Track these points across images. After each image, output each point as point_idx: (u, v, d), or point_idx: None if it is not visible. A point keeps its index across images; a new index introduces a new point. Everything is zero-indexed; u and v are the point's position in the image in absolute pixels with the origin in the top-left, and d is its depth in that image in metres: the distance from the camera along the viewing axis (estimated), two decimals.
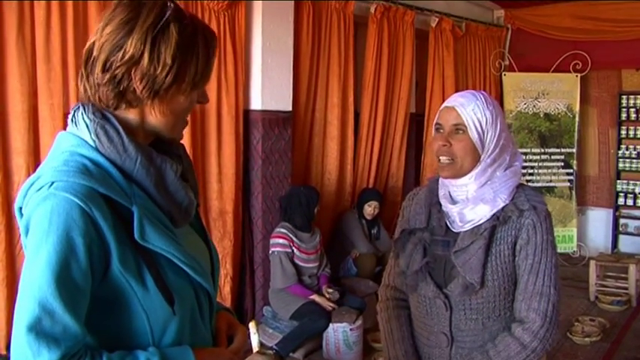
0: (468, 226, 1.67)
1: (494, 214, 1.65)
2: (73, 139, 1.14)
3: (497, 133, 1.66)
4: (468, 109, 1.65)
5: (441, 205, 1.75)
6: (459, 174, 1.68)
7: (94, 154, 1.12)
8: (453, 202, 1.72)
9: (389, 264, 1.94)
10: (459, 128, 1.66)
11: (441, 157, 1.69)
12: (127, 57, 1.11)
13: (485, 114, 1.65)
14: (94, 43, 1.14)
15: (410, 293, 1.82)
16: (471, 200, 1.68)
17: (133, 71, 1.12)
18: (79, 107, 1.17)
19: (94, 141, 1.12)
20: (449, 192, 1.74)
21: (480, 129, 1.64)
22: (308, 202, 4.32)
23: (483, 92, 1.72)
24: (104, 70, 1.12)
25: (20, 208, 1.12)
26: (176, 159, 1.25)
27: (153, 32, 1.12)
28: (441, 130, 1.70)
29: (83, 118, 1.14)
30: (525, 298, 1.63)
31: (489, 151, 1.66)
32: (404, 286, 1.85)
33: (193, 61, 1.16)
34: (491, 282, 1.64)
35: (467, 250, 1.64)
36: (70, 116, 1.18)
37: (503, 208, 1.66)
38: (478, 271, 1.62)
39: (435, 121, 1.73)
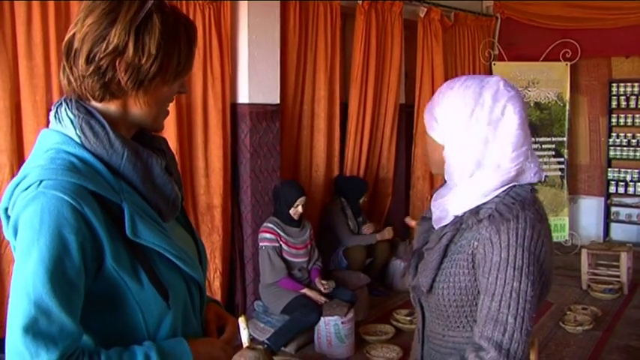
0: (436, 225, 1.54)
1: (455, 219, 1.47)
2: (57, 137, 1.13)
3: (457, 132, 1.44)
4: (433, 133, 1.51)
5: None
6: None
7: (80, 150, 1.10)
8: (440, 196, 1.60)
9: None
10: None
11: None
12: (110, 48, 1.10)
13: (450, 127, 1.45)
14: (74, 35, 1.12)
15: None
16: (438, 197, 1.55)
17: (117, 62, 1.11)
18: (61, 103, 1.16)
19: (80, 137, 1.11)
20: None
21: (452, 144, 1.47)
22: (286, 200, 4.30)
23: (436, 94, 1.51)
24: (88, 61, 1.11)
25: (6, 209, 1.10)
26: (159, 153, 1.25)
27: (136, 22, 1.11)
28: None
29: (67, 114, 1.13)
30: (480, 322, 1.38)
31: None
32: None
33: (176, 51, 1.16)
34: (440, 290, 1.46)
35: (432, 250, 1.51)
36: (52, 113, 1.16)
37: (464, 214, 1.44)
38: (427, 275, 1.48)
39: None
